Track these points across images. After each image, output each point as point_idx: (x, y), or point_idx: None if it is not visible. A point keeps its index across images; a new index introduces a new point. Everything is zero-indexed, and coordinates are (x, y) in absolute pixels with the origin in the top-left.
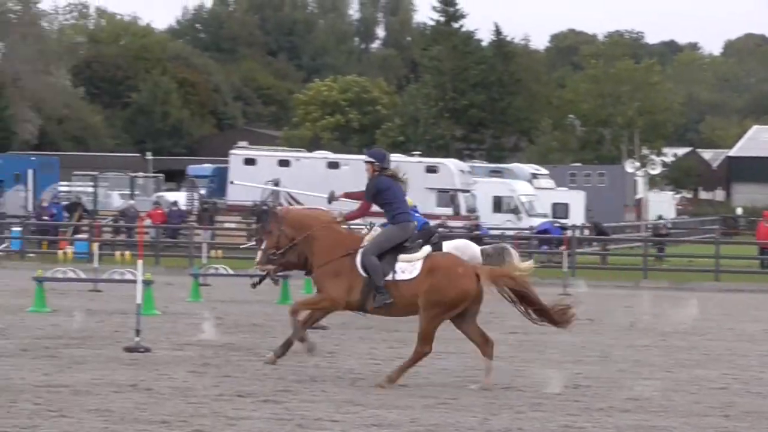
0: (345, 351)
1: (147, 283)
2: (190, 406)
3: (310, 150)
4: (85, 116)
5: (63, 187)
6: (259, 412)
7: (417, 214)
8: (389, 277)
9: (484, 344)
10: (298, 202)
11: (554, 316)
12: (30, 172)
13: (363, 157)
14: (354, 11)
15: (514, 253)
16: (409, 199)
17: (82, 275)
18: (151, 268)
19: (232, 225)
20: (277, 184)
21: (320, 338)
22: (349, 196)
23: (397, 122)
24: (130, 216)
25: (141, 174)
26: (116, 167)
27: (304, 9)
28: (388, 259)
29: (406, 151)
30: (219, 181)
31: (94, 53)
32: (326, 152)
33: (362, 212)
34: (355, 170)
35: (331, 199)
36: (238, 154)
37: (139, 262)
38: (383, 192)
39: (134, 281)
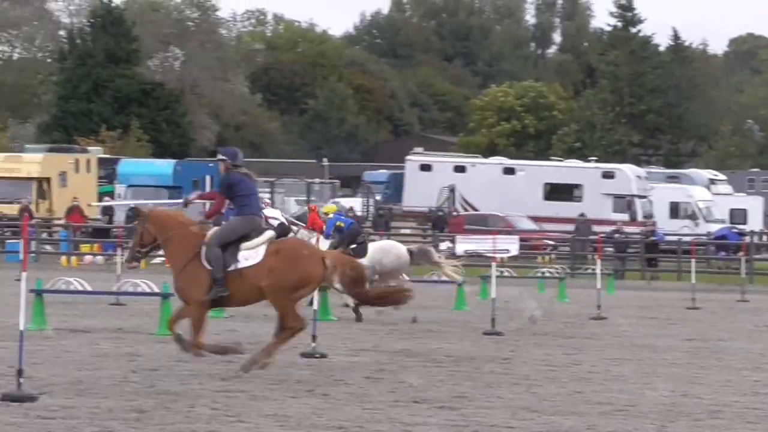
0: (520, 357)
1: (322, 289)
2: (366, 411)
3: (485, 156)
4: (262, 123)
5: None
6: (435, 418)
7: (343, 216)
8: (233, 267)
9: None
10: (473, 208)
11: (393, 298)
12: (208, 179)
13: (539, 162)
14: (530, 17)
15: (436, 254)
16: (333, 206)
17: None
18: None
19: (408, 231)
20: (452, 189)
21: (495, 344)
22: (202, 197)
23: (573, 128)
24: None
25: (317, 180)
26: (293, 173)
27: (480, 15)
28: (231, 250)
29: (583, 157)
30: (394, 186)
31: (272, 60)
32: (502, 158)
33: (219, 207)
34: (530, 176)
35: (186, 203)
36: (414, 160)
37: None
38: (234, 186)
39: None
